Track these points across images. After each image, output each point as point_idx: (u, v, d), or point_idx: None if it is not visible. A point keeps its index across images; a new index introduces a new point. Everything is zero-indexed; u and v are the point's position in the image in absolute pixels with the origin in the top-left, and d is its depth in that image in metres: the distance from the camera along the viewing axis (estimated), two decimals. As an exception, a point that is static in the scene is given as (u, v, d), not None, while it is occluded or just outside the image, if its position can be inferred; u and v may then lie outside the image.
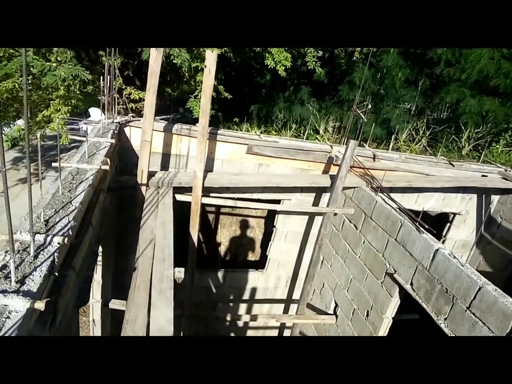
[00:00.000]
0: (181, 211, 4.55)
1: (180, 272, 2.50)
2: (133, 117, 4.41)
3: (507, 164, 7.07)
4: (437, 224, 5.82)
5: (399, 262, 3.79)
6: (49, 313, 1.62)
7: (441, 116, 10.51)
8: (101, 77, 3.89)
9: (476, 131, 8.83)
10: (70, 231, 1.98)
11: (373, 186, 4.55)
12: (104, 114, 4.33)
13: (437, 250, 3.29)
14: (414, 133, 9.93)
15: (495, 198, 5.94)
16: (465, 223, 6.10)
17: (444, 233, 6.23)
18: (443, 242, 6.08)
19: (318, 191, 5.18)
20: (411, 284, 3.59)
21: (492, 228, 6.00)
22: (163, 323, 2.07)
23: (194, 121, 5.44)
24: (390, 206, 4.10)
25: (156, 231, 3.04)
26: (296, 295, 6.03)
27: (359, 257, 4.52)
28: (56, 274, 1.69)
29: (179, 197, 4.02)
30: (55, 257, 1.72)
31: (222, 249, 7.59)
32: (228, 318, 4.79)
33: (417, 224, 3.71)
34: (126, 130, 4.43)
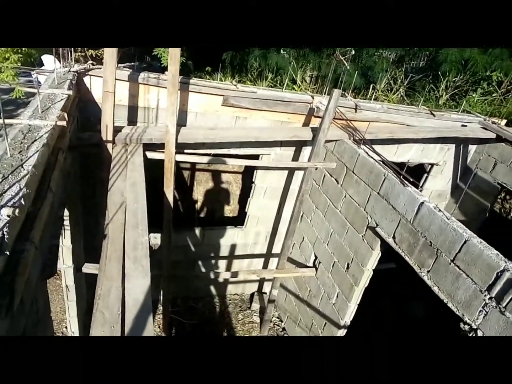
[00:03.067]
0: (153, 169, 4.25)
1: (156, 238, 2.29)
2: (92, 64, 3.91)
3: (483, 113, 7.03)
4: (413, 175, 5.82)
5: (382, 216, 3.73)
6: (2, 298, 1.39)
7: (420, 64, 10.25)
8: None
9: (453, 79, 8.68)
10: (22, 200, 1.69)
11: (355, 139, 4.37)
12: (60, 62, 3.81)
13: (422, 203, 3.22)
14: (392, 82, 9.69)
15: (472, 148, 5.94)
16: (442, 173, 6.12)
17: (421, 184, 6.26)
18: (421, 191, 6.13)
19: (298, 145, 4.96)
20: (394, 237, 3.56)
21: (468, 178, 6.05)
22: (139, 295, 1.89)
23: (163, 70, 4.95)
24: (373, 159, 3.96)
25: (126, 193, 2.77)
26: (275, 250, 6.02)
27: (340, 211, 4.44)
28: (7, 252, 1.44)
29: (151, 154, 3.71)
30: (4, 233, 1.45)
31: (199, 206, 7.40)
32: (209, 276, 4.71)
33: (401, 177, 3.61)
34: (86, 80, 3.95)
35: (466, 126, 5.56)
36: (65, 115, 2.63)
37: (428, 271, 3.12)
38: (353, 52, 5.61)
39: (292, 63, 9.25)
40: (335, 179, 4.55)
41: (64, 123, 2.38)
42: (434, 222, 3.07)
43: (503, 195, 6.70)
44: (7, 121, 2.20)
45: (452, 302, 2.86)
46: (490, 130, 5.23)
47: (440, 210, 3.09)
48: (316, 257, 5.02)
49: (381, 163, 3.91)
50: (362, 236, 4.03)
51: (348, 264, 4.27)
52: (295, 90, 8.61)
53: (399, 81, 9.35)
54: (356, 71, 7.23)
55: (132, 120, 4.26)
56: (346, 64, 5.26)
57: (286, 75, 9.24)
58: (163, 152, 3.69)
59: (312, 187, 5.04)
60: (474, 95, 8.42)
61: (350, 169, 4.23)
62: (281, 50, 9.74)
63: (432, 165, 6.06)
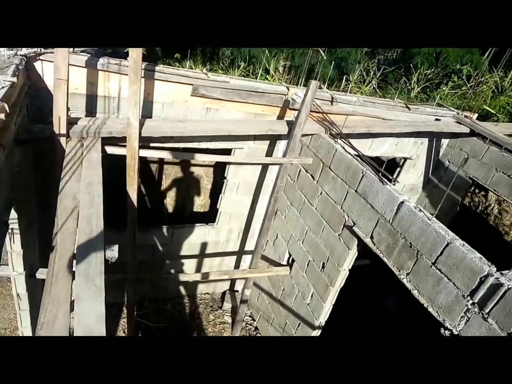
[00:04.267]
0: (116, 164, 3.89)
1: (113, 251, 1.99)
2: (44, 48, 3.47)
3: (454, 106, 7.06)
4: (386, 169, 5.77)
5: (359, 214, 3.59)
6: None
7: (393, 56, 10.24)
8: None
9: (425, 72, 8.71)
10: None
11: (332, 133, 4.19)
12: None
13: (402, 202, 3.09)
14: (365, 74, 9.62)
15: (444, 142, 5.95)
16: (415, 167, 6.11)
17: (394, 178, 6.22)
18: (394, 184, 6.09)
19: (273, 139, 4.73)
20: (372, 237, 3.42)
21: (440, 172, 6.08)
22: (91, 322, 1.60)
23: (126, 55, 4.54)
24: (351, 155, 3.80)
25: (80, 196, 2.44)
26: (248, 247, 5.81)
27: (315, 208, 4.27)
28: None
29: (111, 149, 3.35)
30: None
31: (168, 201, 7.04)
32: (178, 278, 4.43)
33: (380, 174, 3.47)
34: (37, 65, 3.51)
35: (440, 120, 5.53)
36: (5, 106, 2.25)
37: (408, 274, 3.00)
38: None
39: (265, 52, 8.97)
40: (311, 175, 4.37)
41: (2, 115, 2.02)
42: (414, 223, 2.95)
43: (473, 188, 6.81)
44: None
45: (432, 307, 2.75)
46: (464, 124, 5.21)
47: (421, 210, 2.96)
48: (290, 256, 4.85)
49: (359, 159, 3.75)
50: (339, 235, 3.88)
51: (323, 263, 4.12)
52: (269, 81, 8.35)
53: (372, 73, 9.30)
54: (331, 62, 7.06)
55: (90, 110, 3.86)
56: (323, 54, 5.05)
57: (259, 64, 8.94)
58: (125, 146, 3.34)
59: (287, 183, 4.84)
60: (444, 88, 8.50)
61: (327, 165, 4.06)
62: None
63: (405, 159, 6.03)
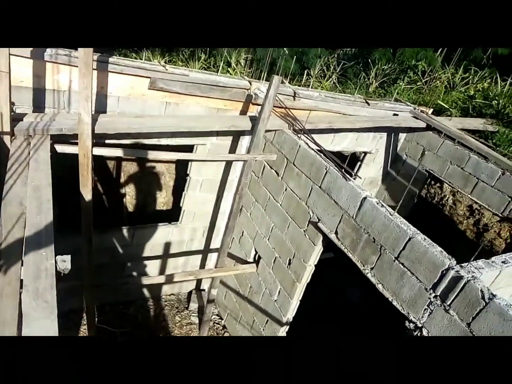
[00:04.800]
0: (69, 160, 3.62)
1: (65, 262, 1.83)
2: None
3: (410, 101, 7.31)
4: (348, 163, 5.87)
5: (324, 210, 3.60)
6: None
7: (351, 51, 10.42)
8: None
9: (383, 67, 8.95)
10: None
11: (295, 129, 4.16)
12: None
13: (364, 198, 3.13)
14: (325, 68, 9.73)
15: (402, 137, 6.14)
16: (374, 161, 6.26)
17: (355, 172, 6.35)
18: (355, 179, 6.22)
19: (236, 134, 4.63)
20: (336, 233, 3.45)
21: (398, 165, 6.28)
22: (41, 344, 1.45)
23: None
24: (315, 151, 3.79)
25: (27, 202, 2.23)
26: (214, 245, 5.71)
27: (281, 205, 4.25)
28: None
29: (61, 148, 3.10)
30: None
31: (128, 200, 6.75)
32: (140, 281, 4.24)
33: (343, 170, 3.49)
34: (-28, 54, 3.16)
35: (397, 115, 5.69)
36: None
37: (372, 268, 3.05)
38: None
39: (225, 44, 8.79)
40: (275, 171, 4.33)
41: None
42: (377, 218, 2.99)
43: (429, 181, 7.11)
44: None
45: (397, 301, 2.82)
46: (420, 119, 5.39)
47: (383, 206, 3.01)
48: (256, 253, 4.81)
49: (322, 155, 3.76)
50: (304, 231, 3.88)
51: (290, 260, 4.11)
52: (230, 73, 8.20)
53: (332, 67, 9.42)
54: (292, 57, 7.04)
55: (38, 105, 3.56)
56: (285, 49, 5.00)
57: (220, 56, 8.77)
58: (77, 144, 3.11)
59: (251, 179, 4.78)
60: (401, 84, 8.79)
61: (291, 161, 4.03)
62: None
63: (365, 153, 6.16)
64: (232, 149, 4.86)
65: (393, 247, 2.84)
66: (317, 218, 3.68)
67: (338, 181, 3.41)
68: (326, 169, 3.55)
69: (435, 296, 2.54)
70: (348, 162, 6.30)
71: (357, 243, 3.20)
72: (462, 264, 2.46)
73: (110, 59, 3.58)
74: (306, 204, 3.84)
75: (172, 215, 5.62)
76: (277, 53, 9.11)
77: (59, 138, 3.18)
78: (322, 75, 9.58)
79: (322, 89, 9.16)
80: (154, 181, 6.94)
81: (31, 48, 3.29)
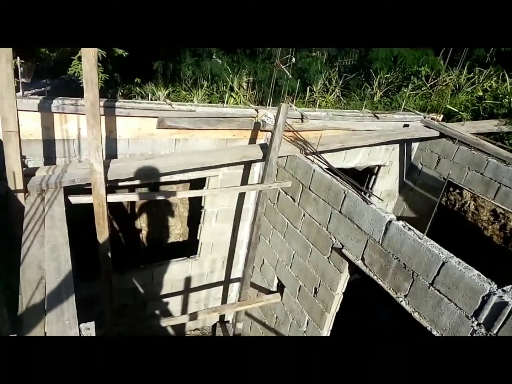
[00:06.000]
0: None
1: (89, 329, 1.74)
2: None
3: (416, 107, 7.19)
4: (359, 178, 5.75)
5: (347, 236, 3.47)
6: None
7: (352, 62, 10.41)
8: None
9: (385, 76, 8.89)
10: None
11: (307, 152, 4.08)
12: None
13: (389, 222, 3.00)
14: (327, 83, 9.72)
15: (415, 146, 6.01)
16: (389, 173, 6.13)
17: (370, 186, 6.21)
18: (369, 196, 6.07)
19: (247, 162, 4.57)
20: (363, 259, 3.31)
21: (414, 175, 6.13)
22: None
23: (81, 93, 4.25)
24: (330, 174, 3.70)
25: (45, 264, 2.17)
26: (234, 274, 5.59)
27: (300, 231, 4.13)
28: None
29: (75, 199, 3.07)
30: None
31: (144, 235, 6.70)
32: (163, 323, 4.13)
33: (362, 193, 3.38)
34: (-18, 114, 3.19)
35: (408, 125, 5.58)
36: None
37: (406, 296, 2.89)
38: (293, 60, 5.33)
39: (227, 69, 8.88)
40: (291, 197, 4.23)
41: None
42: (405, 243, 2.85)
43: (447, 187, 6.92)
44: None
45: (436, 329, 2.65)
46: (432, 128, 5.27)
47: (410, 229, 2.87)
48: (279, 281, 4.67)
49: (339, 178, 3.65)
50: (328, 258, 3.75)
51: (315, 288, 3.97)
52: (234, 99, 8.25)
53: (334, 81, 9.41)
54: (292, 75, 7.02)
55: (49, 156, 3.56)
56: (288, 73, 4.98)
57: (221, 82, 8.84)
58: (91, 195, 3.07)
59: (267, 206, 4.68)
60: (405, 90, 8.70)
61: (306, 186, 3.93)
62: (214, 56, 9.32)
63: (379, 166, 6.03)
64: (245, 178, 4.80)
65: (426, 272, 2.69)
66: (341, 244, 3.55)
67: (359, 205, 3.30)
68: (344, 193, 3.44)
69: (478, 324, 2.37)
70: (363, 176, 6.20)
71: (387, 270, 3.05)
72: (505, 288, 2.30)
73: (117, 103, 3.58)
74: (327, 230, 3.72)
75: (190, 246, 5.54)
76: (278, 74, 9.14)
77: (72, 190, 3.15)
78: (325, 90, 9.58)
79: (326, 103, 9.13)
80: (168, 213, 6.90)
81: (38, 101, 3.32)
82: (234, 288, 5.68)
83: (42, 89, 3.69)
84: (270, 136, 3.73)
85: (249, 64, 9.17)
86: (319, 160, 3.96)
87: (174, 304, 5.34)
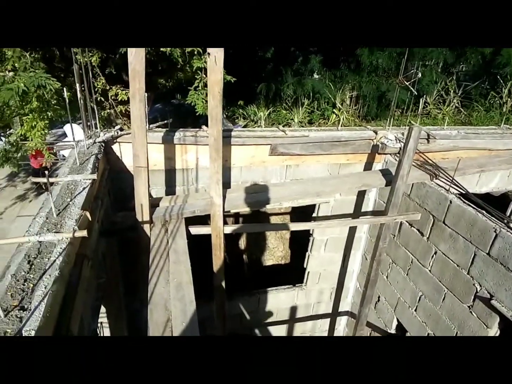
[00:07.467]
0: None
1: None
2: (120, 130, 3.40)
3: None
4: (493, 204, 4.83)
5: (498, 285, 2.82)
6: None
7: (473, 69, 9.22)
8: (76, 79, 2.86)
9: (516, 82, 7.62)
10: None
11: (438, 179, 3.52)
12: (84, 131, 3.33)
13: None
14: (444, 93, 8.75)
15: None
16: (535, 198, 5.05)
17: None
18: None
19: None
20: (523, 316, 2.64)
21: None
22: None
23: (195, 114, 4.39)
24: (472, 207, 3.09)
25: (171, 304, 2.12)
26: (342, 307, 5.16)
27: (430, 271, 3.55)
28: None
29: (195, 230, 3.07)
30: None
31: (248, 257, 6.71)
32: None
33: (522, 233, 2.71)
34: (115, 147, 3.45)
35: None
36: (87, 214, 2.06)
37: None
38: (419, 75, 4.78)
39: (329, 85, 8.61)
40: (418, 230, 3.69)
41: (84, 233, 1.78)
42: None
43: None
44: (2, 241, 1.63)
45: None
46: None
47: None
48: (399, 323, 4.11)
49: (484, 212, 3.03)
50: (469, 307, 3.11)
51: (450, 340, 3.33)
52: (337, 115, 7.92)
53: (452, 91, 8.42)
54: (404, 87, 6.39)
55: (170, 185, 3.70)
56: (413, 90, 4.48)
57: (323, 99, 8.58)
58: (209, 226, 3.05)
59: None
60: (544, 96, 7.31)
61: (439, 219, 3.37)
62: (315, 74, 9.15)
63: (522, 190, 5.02)
64: (358, 204, 4.40)
65: None
66: (488, 293, 2.91)
67: (516, 247, 2.65)
68: (495, 231, 2.81)
69: None
70: (497, 202, 5.24)
71: None
72: None
73: (233, 133, 3.56)
74: (468, 274, 3.10)
75: (292, 271, 5.31)
76: (385, 86, 8.50)
77: (192, 220, 3.18)
78: (441, 101, 8.64)
79: (443, 116, 8.20)
80: (270, 235, 6.81)
81: (162, 134, 3.46)
82: (342, 321, 5.24)
83: (165, 121, 3.87)
84: (398, 163, 3.29)
85: (353, 78, 8.75)
86: (455, 188, 3.37)
87: (279, 333, 5.13)
